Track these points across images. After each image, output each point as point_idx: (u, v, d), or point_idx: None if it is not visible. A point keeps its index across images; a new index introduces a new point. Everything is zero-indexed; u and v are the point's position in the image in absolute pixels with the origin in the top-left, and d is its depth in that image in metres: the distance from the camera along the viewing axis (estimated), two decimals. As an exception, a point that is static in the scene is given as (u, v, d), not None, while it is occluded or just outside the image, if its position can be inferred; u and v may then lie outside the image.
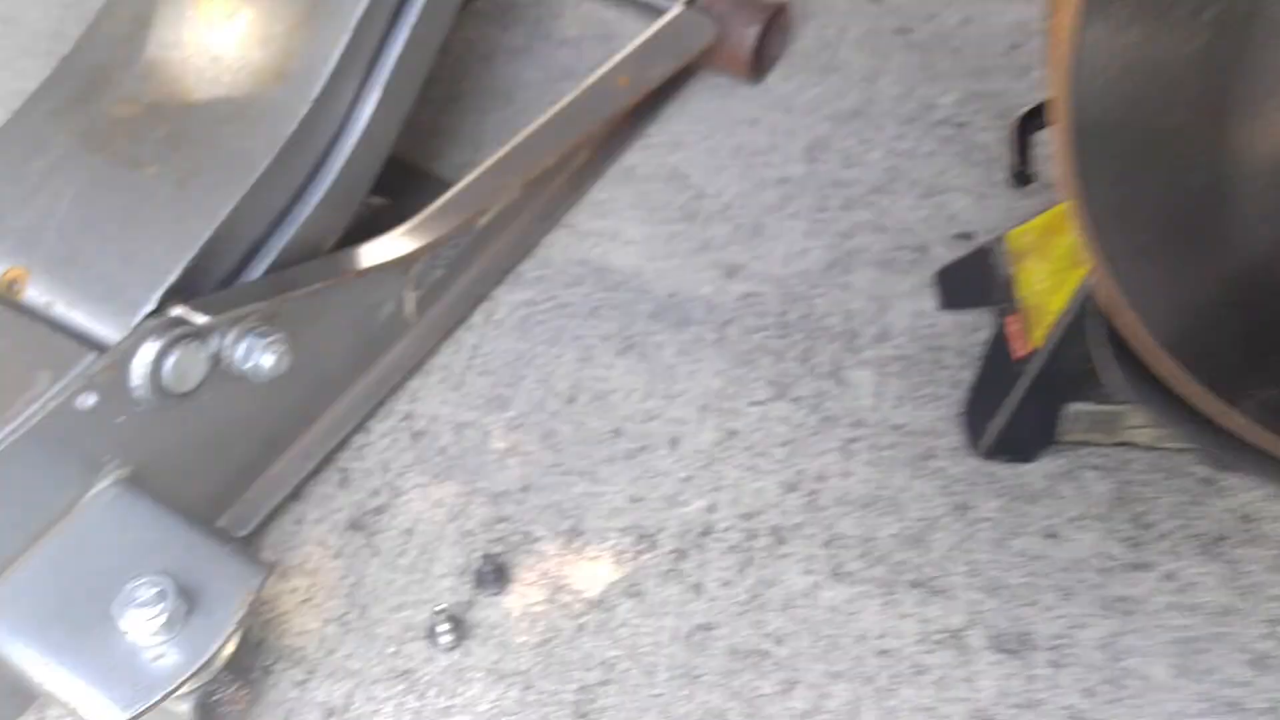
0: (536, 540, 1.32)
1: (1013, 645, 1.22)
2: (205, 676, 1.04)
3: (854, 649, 1.23)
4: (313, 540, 1.33)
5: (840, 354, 1.50)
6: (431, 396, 1.47)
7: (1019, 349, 1.30)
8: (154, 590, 0.99)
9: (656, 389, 1.48)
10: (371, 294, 1.38)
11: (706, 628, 1.25)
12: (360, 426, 1.43)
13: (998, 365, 1.33)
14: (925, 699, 1.18)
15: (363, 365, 1.42)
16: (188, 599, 1.02)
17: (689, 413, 1.45)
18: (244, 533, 1.29)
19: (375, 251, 1.36)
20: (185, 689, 1.02)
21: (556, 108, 1.56)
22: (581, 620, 1.26)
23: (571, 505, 1.35)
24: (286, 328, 1.20)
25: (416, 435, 1.43)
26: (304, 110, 1.25)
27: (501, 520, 1.34)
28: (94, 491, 1.10)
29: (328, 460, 1.39)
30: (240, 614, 1.03)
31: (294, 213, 1.30)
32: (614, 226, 1.65)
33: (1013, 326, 1.32)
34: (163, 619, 0.99)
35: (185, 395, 1.13)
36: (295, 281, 1.26)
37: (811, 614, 1.25)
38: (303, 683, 1.22)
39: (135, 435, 1.12)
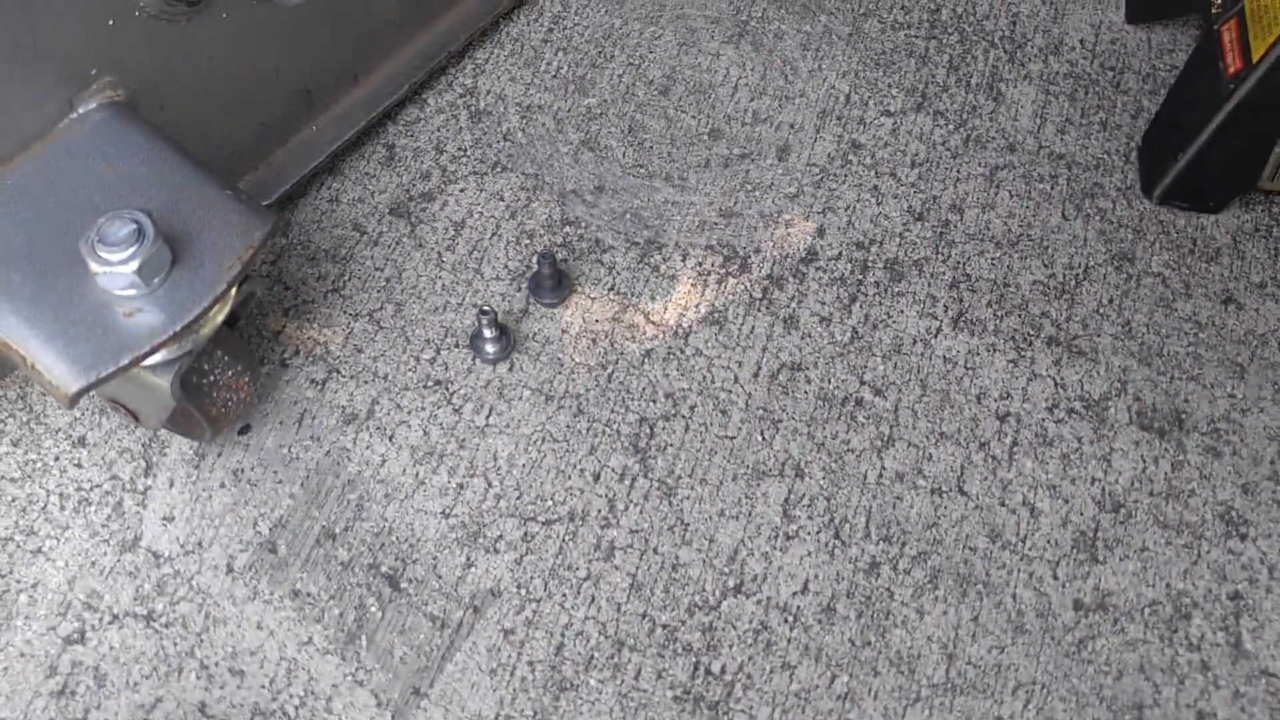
0: (607, 249, 1.14)
1: (1163, 424, 1.04)
2: (189, 345, 0.86)
3: (969, 409, 1.05)
4: (348, 222, 1.15)
5: (1000, 65, 1.27)
6: (499, 71, 1.26)
7: (1234, 64, 1.04)
8: (129, 228, 0.81)
9: (770, 87, 1.25)
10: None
11: (796, 367, 1.07)
12: (414, 96, 1.24)
13: (1194, 90, 1.14)
14: (1047, 474, 1.01)
15: (421, 17, 1.21)
16: (174, 246, 0.84)
17: (805, 118, 1.23)
18: (266, 202, 1.10)
19: None
20: (162, 356, 0.84)
21: None
22: (650, 345, 1.08)
23: (652, 214, 1.16)
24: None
25: (478, 115, 1.23)
26: None
27: (569, 223, 1.16)
28: (78, 113, 0.91)
29: (372, 131, 1.21)
30: (235, 270, 0.84)
31: None
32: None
33: (1228, 35, 1.06)
34: (135, 264, 0.80)
35: (195, 5, 0.92)
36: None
37: (924, 364, 1.07)
38: (322, 382, 1.07)
39: (133, 48, 0.93)
